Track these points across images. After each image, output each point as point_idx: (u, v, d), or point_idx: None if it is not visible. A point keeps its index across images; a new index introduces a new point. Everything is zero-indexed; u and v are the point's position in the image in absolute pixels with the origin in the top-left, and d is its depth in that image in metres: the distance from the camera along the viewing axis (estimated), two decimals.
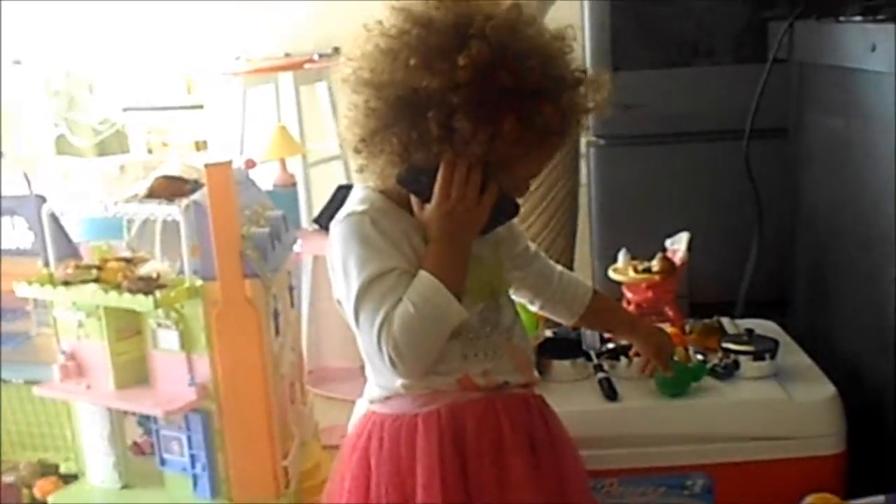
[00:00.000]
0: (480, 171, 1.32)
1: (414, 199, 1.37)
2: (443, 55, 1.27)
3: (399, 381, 1.38)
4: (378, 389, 1.43)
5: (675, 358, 1.70)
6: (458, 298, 1.33)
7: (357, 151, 1.36)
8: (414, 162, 1.32)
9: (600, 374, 1.77)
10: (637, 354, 1.72)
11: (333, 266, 1.39)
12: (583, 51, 2.52)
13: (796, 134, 2.20)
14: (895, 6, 1.82)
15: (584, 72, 1.35)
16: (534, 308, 1.63)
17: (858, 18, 1.87)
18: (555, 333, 1.89)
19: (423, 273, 1.33)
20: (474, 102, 1.27)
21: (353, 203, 1.40)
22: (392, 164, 1.33)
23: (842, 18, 1.92)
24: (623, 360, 1.79)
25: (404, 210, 1.38)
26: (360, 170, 1.38)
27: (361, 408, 1.52)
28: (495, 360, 1.42)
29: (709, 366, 1.78)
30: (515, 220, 1.48)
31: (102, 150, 3.77)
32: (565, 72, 1.33)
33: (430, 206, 1.35)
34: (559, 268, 1.63)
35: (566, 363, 1.82)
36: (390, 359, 1.31)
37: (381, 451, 1.40)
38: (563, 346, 1.85)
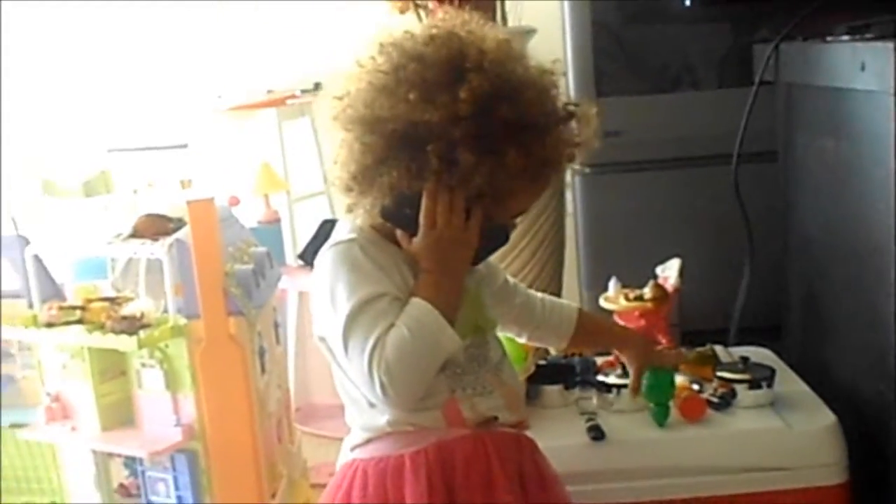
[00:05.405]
0: (463, 197, 1.31)
1: (401, 234, 1.35)
2: (442, 88, 1.27)
3: (384, 419, 1.34)
4: (360, 433, 1.39)
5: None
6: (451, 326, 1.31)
7: (349, 189, 1.34)
8: (396, 196, 1.30)
9: (589, 422, 1.70)
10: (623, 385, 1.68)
11: (319, 296, 1.35)
12: (566, 78, 2.50)
13: (786, 156, 2.18)
14: (882, 24, 1.81)
15: (576, 105, 1.36)
16: (522, 340, 1.62)
17: (846, 38, 1.86)
18: (546, 360, 1.85)
19: (415, 299, 1.31)
20: (476, 135, 1.27)
21: (341, 233, 1.38)
22: (383, 200, 1.32)
23: (829, 38, 1.91)
24: (615, 391, 1.75)
25: (393, 243, 1.36)
26: (350, 209, 1.37)
27: (343, 459, 1.47)
28: (484, 396, 1.38)
29: (704, 395, 1.75)
30: (491, 258, 1.45)
31: (88, 191, 3.77)
32: (557, 105, 1.34)
33: (417, 238, 1.33)
34: (540, 295, 1.61)
35: (555, 388, 1.79)
36: (381, 384, 1.27)
37: (366, 496, 1.35)
38: (553, 373, 1.81)
